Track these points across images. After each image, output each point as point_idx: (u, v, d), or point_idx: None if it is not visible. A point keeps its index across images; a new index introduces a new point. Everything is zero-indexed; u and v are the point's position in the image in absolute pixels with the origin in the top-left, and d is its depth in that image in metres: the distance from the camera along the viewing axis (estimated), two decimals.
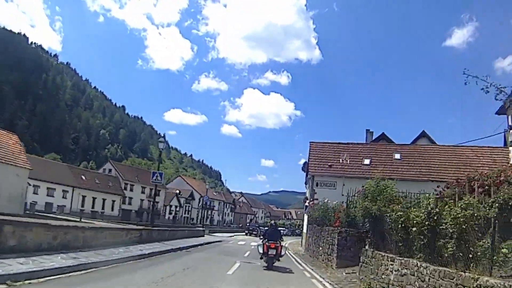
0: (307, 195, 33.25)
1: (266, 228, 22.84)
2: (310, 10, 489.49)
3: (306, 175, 35.20)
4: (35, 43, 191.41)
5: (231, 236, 49.45)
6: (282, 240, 16.87)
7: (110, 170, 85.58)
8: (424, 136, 38.15)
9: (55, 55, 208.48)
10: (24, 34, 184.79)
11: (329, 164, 30.34)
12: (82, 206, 73.21)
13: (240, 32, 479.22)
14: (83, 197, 74.07)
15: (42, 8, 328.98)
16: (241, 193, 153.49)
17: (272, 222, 25.81)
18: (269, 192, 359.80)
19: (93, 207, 75.47)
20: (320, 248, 20.36)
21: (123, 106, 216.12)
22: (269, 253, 15.29)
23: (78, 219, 38.17)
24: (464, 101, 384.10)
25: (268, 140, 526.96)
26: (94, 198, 76.21)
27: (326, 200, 21.33)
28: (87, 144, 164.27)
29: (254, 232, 59.55)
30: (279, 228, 37.69)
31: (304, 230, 33.06)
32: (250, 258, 19.15)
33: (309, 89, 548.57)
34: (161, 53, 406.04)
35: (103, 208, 77.60)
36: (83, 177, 75.96)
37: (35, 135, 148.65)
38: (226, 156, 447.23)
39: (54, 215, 43.21)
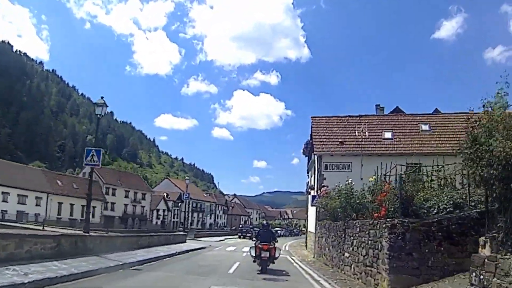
0: (312, 183, 25.70)
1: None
2: (298, 8, 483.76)
3: (309, 159, 27.79)
4: (19, 51, 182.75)
5: (220, 241, 41.79)
6: (276, 241, 14.71)
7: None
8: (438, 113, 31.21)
9: (40, 63, 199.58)
10: (8, 42, 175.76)
11: (339, 140, 22.91)
12: (59, 213, 65.06)
13: (228, 33, 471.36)
14: (60, 204, 65.84)
15: (28, 17, 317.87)
16: (234, 195, 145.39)
17: (264, 222, 19.88)
18: (263, 193, 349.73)
19: (71, 214, 67.22)
20: (347, 255, 12.79)
21: (111, 112, 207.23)
22: (262, 256, 13.33)
23: (41, 228, 30.98)
24: (456, 93, 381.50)
25: (260, 141, 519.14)
26: (72, 205, 67.95)
27: (349, 181, 13.82)
28: (74, 151, 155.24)
29: (248, 235, 52.17)
30: (276, 228, 30.90)
31: (311, 228, 25.55)
32: (237, 276, 11.62)
33: (299, 88, 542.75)
34: (149, 58, 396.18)
35: (82, 215, 69.29)
36: (59, 182, 67.66)
37: (19, 143, 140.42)
38: (218, 159, 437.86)
39: (13, 224, 35.61)
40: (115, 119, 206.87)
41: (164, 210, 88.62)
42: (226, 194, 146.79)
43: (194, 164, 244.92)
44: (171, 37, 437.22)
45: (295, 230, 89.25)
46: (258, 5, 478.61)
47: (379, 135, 22.92)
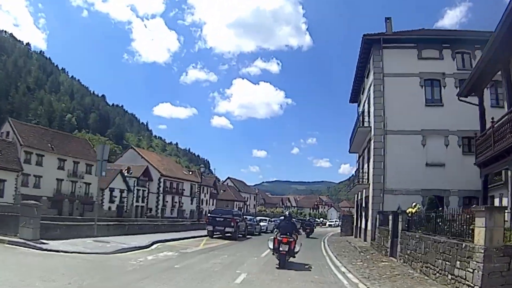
0: None
1: (278, 219, 19.70)
2: None
3: None
4: (5, 31, 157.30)
5: (130, 250, 14.87)
6: (300, 233, 13.72)
7: (8, 133, 50.38)
8: None
9: (27, 44, 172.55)
10: None
11: None
12: None
13: (227, 20, 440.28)
14: None
15: (24, 5, 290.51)
16: (228, 178, 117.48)
17: (287, 212, 14.02)
18: (263, 182, 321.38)
19: None
20: None
21: (103, 95, 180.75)
22: (281, 249, 11.36)
23: None
24: None
25: (259, 130, 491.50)
26: None
27: None
28: None
29: (228, 229, 22.65)
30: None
31: None
32: None
33: (300, 76, 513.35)
34: (147, 46, 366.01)
35: None
36: None
37: None
38: (217, 148, 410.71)
39: None
40: (106, 102, 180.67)
41: (122, 191, 60.70)
42: (223, 181, 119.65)
43: (189, 149, 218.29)
44: (170, 24, 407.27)
45: (311, 220, 58.14)
46: None
47: None
